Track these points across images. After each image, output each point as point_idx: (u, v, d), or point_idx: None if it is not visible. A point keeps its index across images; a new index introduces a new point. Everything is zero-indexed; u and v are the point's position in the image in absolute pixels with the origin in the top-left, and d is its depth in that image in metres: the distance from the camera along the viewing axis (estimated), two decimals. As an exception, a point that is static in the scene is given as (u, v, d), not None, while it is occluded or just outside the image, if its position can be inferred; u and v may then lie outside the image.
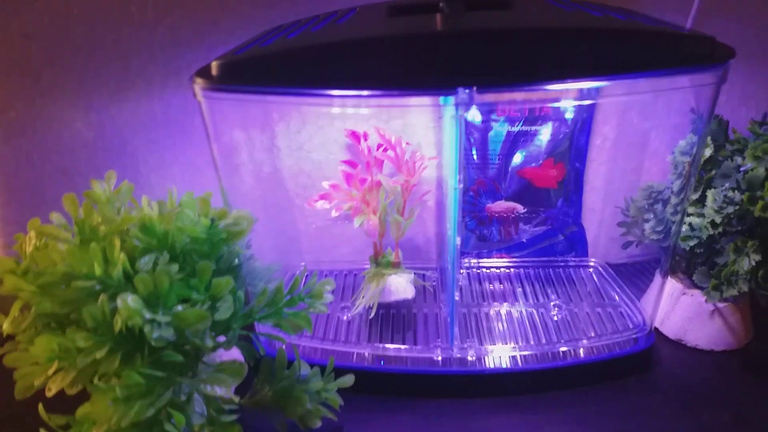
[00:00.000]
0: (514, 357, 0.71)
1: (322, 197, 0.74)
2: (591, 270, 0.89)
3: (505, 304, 0.81)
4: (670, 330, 0.77)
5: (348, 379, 0.63)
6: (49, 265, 0.47)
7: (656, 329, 0.79)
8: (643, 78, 0.53)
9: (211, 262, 0.50)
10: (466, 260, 0.91)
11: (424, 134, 0.82)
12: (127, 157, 0.84)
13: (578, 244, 0.90)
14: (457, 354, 0.71)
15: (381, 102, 0.69)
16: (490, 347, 0.72)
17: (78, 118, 0.81)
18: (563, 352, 0.71)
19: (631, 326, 0.75)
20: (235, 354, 0.62)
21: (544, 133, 0.81)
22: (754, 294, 0.69)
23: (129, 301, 0.45)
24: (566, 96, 0.59)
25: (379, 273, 0.78)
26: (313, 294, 0.58)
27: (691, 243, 0.70)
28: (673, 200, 0.69)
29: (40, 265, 0.49)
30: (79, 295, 0.47)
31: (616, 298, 0.81)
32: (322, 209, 0.74)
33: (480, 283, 0.86)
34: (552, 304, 0.80)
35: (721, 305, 0.72)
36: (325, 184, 0.75)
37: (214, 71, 0.54)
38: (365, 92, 0.52)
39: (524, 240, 0.89)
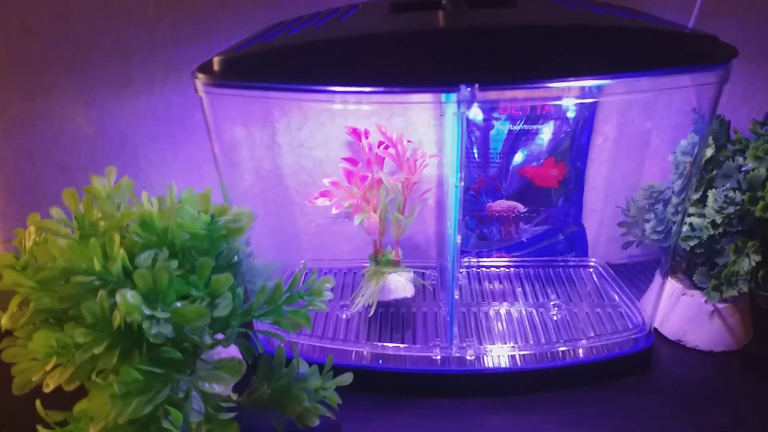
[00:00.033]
0: (513, 357, 0.71)
1: (323, 194, 0.74)
2: (591, 270, 0.89)
3: (504, 303, 0.81)
4: (669, 330, 0.77)
5: (346, 378, 0.63)
6: (48, 260, 0.47)
7: (656, 330, 0.78)
8: (646, 77, 0.53)
9: (211, 259, 0.50)
10: (466, 259, 0.91)
11: (425, 132, 0.82)
12: (127, 154, 0.84)
13: (578, 243, 0.90)
14: (456, 353, 0.71)
15: (383, 99, 0.69)
16: (489, 347, 0.72)
17: (78, 114, 0.81)
18: (562, 352, 0.71)
19: (630, 326, 0.74)
20: (233, 351, 0.62)
21: (546, 132, 0.81)
22: (754, 295, 0.69)
23: (128, 296, 0.45)
24: (568, 94, 0.58)
25: (379, 271, 0.78)
26: (312, 291, 0.57)
27: (692, 243, 0.70)
28: (674, 200, 0.69)
29: (39, 261, 0.48)
30: (78, 291, 0.46)
31: (616, 298, 0.81)
32: (322, 206, 0.74)
33: (480, 283, 0.86)
34: (552, 303, 0.80)
35: (720, 306, 0.72)
36: (326, 182, 0.74)
37: (215, 67, 0.54)
38: (367, 89, 0.52)
39: (524, 239, 0.89)
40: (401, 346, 0.72)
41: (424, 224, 0.90)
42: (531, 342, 0.72)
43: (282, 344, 0.60)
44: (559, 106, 0.79)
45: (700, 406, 0.66)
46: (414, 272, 0.81)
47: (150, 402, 0.46)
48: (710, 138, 0.70)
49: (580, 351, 0.71)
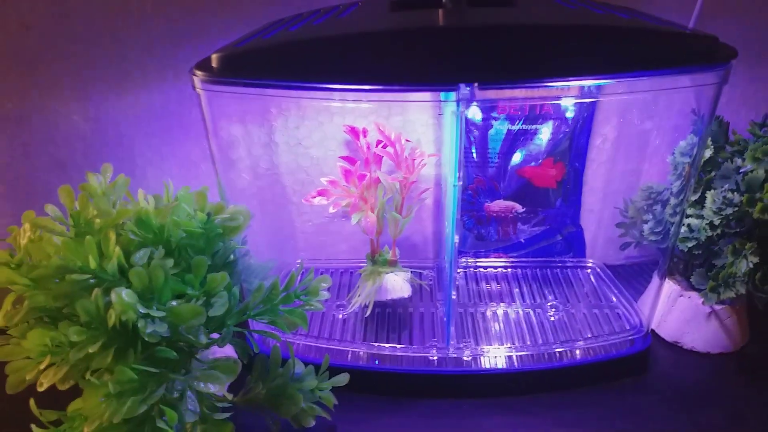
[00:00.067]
0: (510, 357, 0.71)
1: (320, 193, 0.74)
2: (588, 271, 0.89)
3: (502, 304, 0.81)
4: (667, 332, 0.77)
5: (343, 378, 0.63)
6: (43, 257, 0.47)
7: (653, 331, 0.78)
8: (645, 77, 0.53)
9: (207, 258, 0.50)
10: (464, 259, 0.90)
11: (423, 131, 0.82)
12: (124, 151, 0.83)
13: (576, 244, 0.90)
14: (453, 354, 0.70)
15: (381, 97, 0.69)
16: (486, 347, 0.72)
17: (75, 110, 0.80)
18: (560, 353, 0.71)
19: (628, 328, 0.74)
20: (228, 351, 0.62)
21: (544, 132, 0.81)
22: (752, 296, 0.69)
23: (123, 295, 0.44)
24: (568, 94, 0.58)
25: (376, 271, 0.78)
26: (309, 291, 0.57)
27: (690, 244, 0.70)
28: (673, 201, 0.69)
29: (34, 258, 0.48)
30: (72, 289, 0.46)
31: (614, 299, 0.81)
32: (319, 205, 0.74)
33: (477, 283, 0.86)
34: (549, 304, 0.80)
35: (718, 307, 0.72)
36: (323, 180, 0.74)
37: (214, 63, 0.54)
38: (366, 87, 0.52)
39: (522, 240, 0.89)
40: (398, 346, 0.72)
41: (421, 224, 0.89)
42: (528, 343, 0.72)
43: (278, 344, 0.60)
44: (558, 106, 0.79)
45: (697, 407, 0.66)
46: (411, 272, 0.81)
47: (145, 401, 0.46)
48: (709, 139, 0.70)
49: (578, 352, 0.71)
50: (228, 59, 0.53)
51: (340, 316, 0.79)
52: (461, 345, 0.71)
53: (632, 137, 0.82)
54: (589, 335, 0.73)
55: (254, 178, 0.82)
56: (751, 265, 0.67)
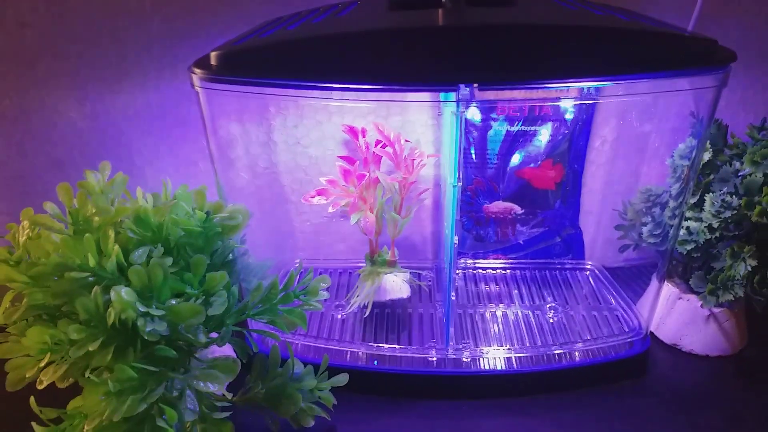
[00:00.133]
0: (509, 359, 0.71)
1: (319, 193, 0.74)
2: (587, 273, 0.89)
3: (501, 305, 0.81)
4: (665, 334, 0.77)
5: (342, 378, 0.63)
6: (42, 255, 0.47)
7: (652, 334, 0.78)
8: (644, 79, 0.53)
9: (206, 257, 0.49)
10: (463, 261, 0.90)
11: (423, 131, 0.82)
12: (122, 149, 0.83)
13: (575, 246, 0.90)
14: (452, 355, 0.70)
15: (381, 97, 0.69)
16: (485, 349, 0.71)
17: (72, 108, 0.80)
18: (558, 354, 0.71)
19: (626, 330, 0.74)
20: (227, 350, 0.62)
21: (544, 134, 0.81)
22: (750, 299, 0.69)
23: (122, 293, 0.44)
24: (567, 95, 0.58)
25: (375, 271, 0.77)
26: (308, 291, 0.57)
27: (688, 247, 0.70)
28: (671, 204, 0.69)
29: (32, 256, 0.48)
30: (72, 287, 0.46)
31: (612, 301, 0.81)
32: (318, 205, 0.74)
33: (476, 284, 0.86)
34: (548, 306, 0.80)
35: (716, 310, 0.72)
36: (322, 180, 0.74)
37: (212, 62, 0.53)
38: (365, 86, 0.52)
39: (521, 241, 0.89)
40: (397, 347, 0.72)
41: (420, 224, 0.89)
42: (527, 344, 0.72)
43: (277, 344, 0.60)
44: (558, 107, 0.79)
45: (696, 410, 0.66)
46: (410, 273, 0.80)
47: (144, 400, 0.46)
48: (708, 142, 0.70)
49: (576, 354, 0.71)
50: (227, 57, 0.53)
51: (339, 316, 0.79)
52: (460, 346, 0.71)
53: (631, 139, 0.82)
54: (588, 337, 0.73)
55: (253, 177, 0.82)
56: (749, 268, 0.67)
